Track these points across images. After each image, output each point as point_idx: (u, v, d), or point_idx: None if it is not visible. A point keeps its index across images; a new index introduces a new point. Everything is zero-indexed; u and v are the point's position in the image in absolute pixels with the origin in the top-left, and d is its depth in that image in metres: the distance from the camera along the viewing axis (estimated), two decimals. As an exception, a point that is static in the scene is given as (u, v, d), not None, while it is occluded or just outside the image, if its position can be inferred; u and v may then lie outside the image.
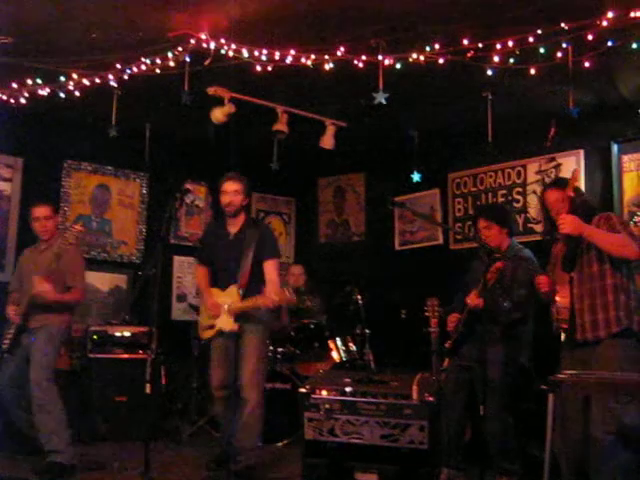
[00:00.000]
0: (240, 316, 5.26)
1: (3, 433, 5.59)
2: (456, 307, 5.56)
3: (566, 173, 6.68)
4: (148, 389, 4.77)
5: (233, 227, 5.50)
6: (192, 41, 5.12)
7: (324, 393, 3.75)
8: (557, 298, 4.51)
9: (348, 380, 3.85)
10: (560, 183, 4.64)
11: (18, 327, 5.52)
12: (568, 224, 4.34)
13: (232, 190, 5.39)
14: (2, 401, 5.60)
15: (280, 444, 6.52)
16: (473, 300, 5.13)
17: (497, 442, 5.00)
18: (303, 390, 3.83)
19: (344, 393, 3.72)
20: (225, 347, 5.36)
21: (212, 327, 5.44)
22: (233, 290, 5.33)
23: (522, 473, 5.16)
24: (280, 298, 5.18)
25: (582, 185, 6.47)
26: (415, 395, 3.60)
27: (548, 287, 4.56)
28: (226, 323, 5.31)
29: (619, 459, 4.22)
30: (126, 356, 6.93)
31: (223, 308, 5.32)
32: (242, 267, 5.33)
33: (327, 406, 3.70)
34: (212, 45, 5.10)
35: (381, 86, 5.15)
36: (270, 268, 5.42)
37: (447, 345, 5.45)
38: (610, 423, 4.18)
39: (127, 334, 7.02)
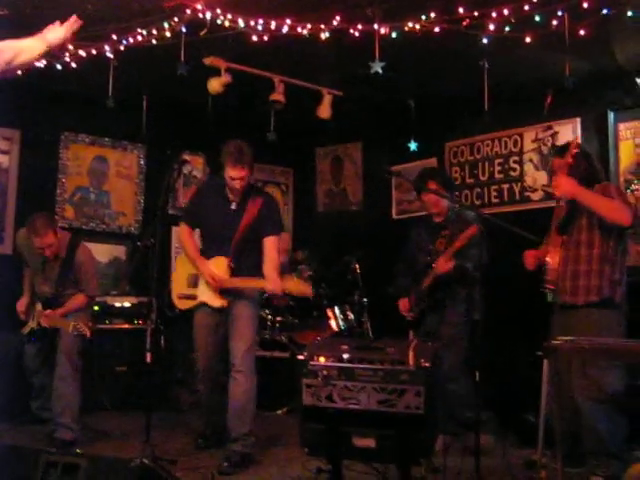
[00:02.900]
0: (228, 291, 5.08)
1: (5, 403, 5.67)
2: (402, 286, 5.82)
3: (563, 141, 6.68)
4: (149, 358, 4.82)
5: (235, 195, 5.20)
6: (188, 11, 5.10)
7: (322, 360, 3.79)
8: (547, 259, 4.58)
9: (345, 347, 3.89)
10: (562, 150, 4.68)
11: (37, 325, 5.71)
12: (562, 186, 4.40)
13: (240, 177, 5.05)
14: (27, 367, 5.79)
15: (279, 412, 6.61)
16: (444, 266, 5.35)
17: (458, 398, 5.18)
18: (301, 357, 3.86)
19: (341, 360, 3.75)
20: (211, 324, 5.20)
21: (192, 297, 5.25)
22: (222, 261, 5.10)
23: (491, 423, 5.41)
24: (295, 289, 5.02)
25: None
26: (411, 361, 3.64)
27: (532, 266, 4.76)
28: (212, 298, 5.12)
29: (605, 424, 4.30)
30: (126, 326, 7.01)
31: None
32: (236, 238, 5.10)
33: (325, 373, 3.74)
34: (208, 15, 5.09)
35: (377, 55, 5.14)
36: (270, 245, 5.14)
37: (410, 317, 5.71)
38: (591, 389, 4.27)
39: (127, 305, 7.09)
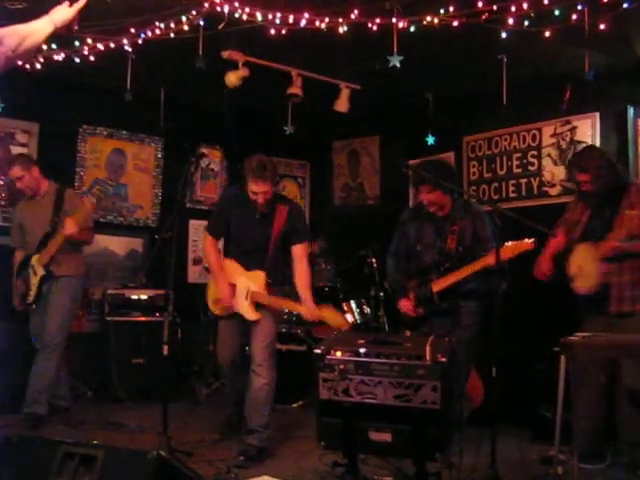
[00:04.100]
0: (263, 306, 5.13)
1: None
2: (399, 284, 5.50)
3: (582, 136, 6.68)
4: (166, 351, 4.84)
5: (259, 207, 5.14)
6: (206, 5, 5.10)
7: (338, 354, 3.79)
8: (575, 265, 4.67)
9: (362, 341, 3.89)
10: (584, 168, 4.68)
11: (42, 278, 5.75)
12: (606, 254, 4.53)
13: (262, 191, 4.99)
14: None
15: (295, 405, 6.62)
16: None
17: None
18: (318, 351, 3.87)
19: (358, 354, 3.76)
20: (236, 326, 5.29)
21: (229, 306, 5.26)
22: (260, 276, 5.13)
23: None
24: (331, 321, 4.94)
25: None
26: (428, 356, 3.64)
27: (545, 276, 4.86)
28: (247, 311, 5.14)
29: None
30: (143, 319, 7.03)
31: (244, 292, 5.13)
32: (270, 249, 5.14)
33: (341, 367, 3.74)
34: (226, 9, 5.09)
35: (395, 49, 5.13)
36: (301, 253, 5.19)
37: (411, 317, 5.37)
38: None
39: (144, 297, 7.11)
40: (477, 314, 5.22)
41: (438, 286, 5.20)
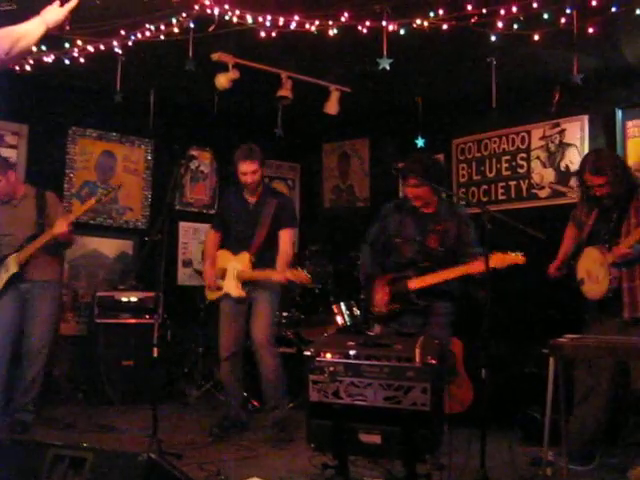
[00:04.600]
0: (248, 283, 5.52)
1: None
2: (371, 276, 5.35)
3: (570, 139, 6.72)
4: (155, 353, 4.85)
5: (251, 196, 5.68)
6: (196, 7, 5.10)
7: (328, 356, 3.80)
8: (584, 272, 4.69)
9: (352, 343, 3.90)
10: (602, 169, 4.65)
11: (12, 275, 5.62)
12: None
13: (251, 171, 5.50)
14: None
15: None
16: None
17: None
18: (308, 353, 3.87)
19: (348, 356, 3.76)
20: (234, 312, 5.64)
21: (219, 289, 5.66)
22: (245, 256, 5.56)
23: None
24: (294, 277, 5.31)
25: (586, 150, 6.49)
26: (418, 358, 3.65)
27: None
28: (233, 288, 5.56)
29: None
30: (133, 321, 7.02)
31: (232, 273, 5.56)
32: (256, 235, 5.57)
33: (331, 369, 3.75)
34: (216, 11, 5.08)
35: (385, 52, 5.14)
36: (285, 237, 5.62)
37: (382, 312, 5.22)
38: None
39: (134, 299, 7.10)
40: (451, 315, 5.15)
41: (415, 284, 5.04)
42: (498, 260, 4.63)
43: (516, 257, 4.66)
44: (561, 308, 5.06)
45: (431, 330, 4.91)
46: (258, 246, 5.57)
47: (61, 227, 5.54)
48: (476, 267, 4.73)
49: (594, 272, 4.64)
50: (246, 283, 5.55)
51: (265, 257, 5.57)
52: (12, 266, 5.63)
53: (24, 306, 5.69)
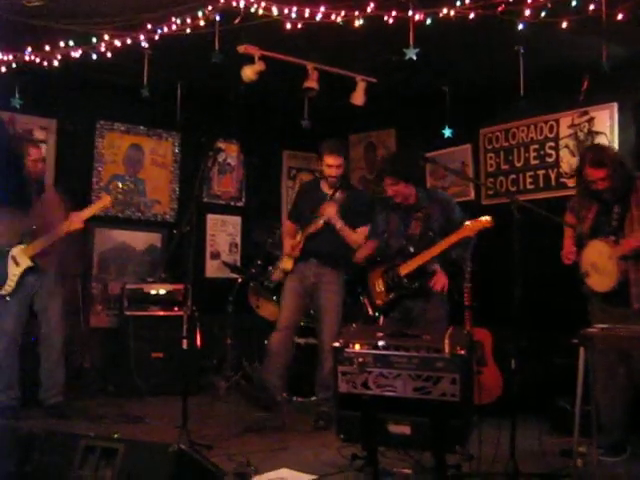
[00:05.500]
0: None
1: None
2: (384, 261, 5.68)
3: (599, 127, 6.64)
4: (185, 345, 4.87)
5: (330, 189, 5.92)
6: (222, 0, 5.12)
7: (357, 347, 3.80)
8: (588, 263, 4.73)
9: (381, 334, 3.90)
10: (602, 162, 4.66)
11: (26, 269, 5.69)
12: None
13: (337, 164, 5.77)
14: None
15: (314, 398, 6.63)
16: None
17: None
18: (336, 344, 3.88)
19: (377, 347, 3.77)
20: (299, 290, 5.96)
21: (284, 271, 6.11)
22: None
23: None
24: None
25: (615, 139, 6.43)
26: (447, 348, 3.64)
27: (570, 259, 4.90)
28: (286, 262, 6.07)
29: None
30: (162, 313, 7.07)
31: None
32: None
33: (360, 360, 3.75)
34: (242, 3, 5.09)
35: (412, 42, 5.12)
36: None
37: (379, 302, 5.64)
38: None
39: (162, 292, 7.15)
40: (446, 294, 5.48)
41: (405, 269, 5.43)
42: (468, 229, 5.08)
43: (485, 221, 5.04)
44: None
45: (429, 312, 5.43)
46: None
47: (78, 223, 5.60)
48: (452, 238, 5.19)
49: (601, 265, 4.68)
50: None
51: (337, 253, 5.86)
52: (23, 260, 5.68)
53: (32, 297, 5.79)
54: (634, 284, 4.55)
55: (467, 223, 5.11)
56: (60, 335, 5.85)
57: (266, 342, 6.20)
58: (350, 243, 5.81)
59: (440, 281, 5.40)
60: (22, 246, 5.69)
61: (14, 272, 5.65)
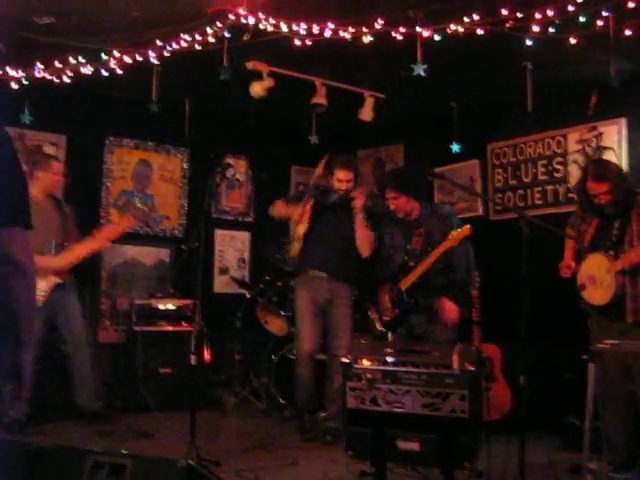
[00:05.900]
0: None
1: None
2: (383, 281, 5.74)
3: (608, 142, 6.63)
4: (193, 360, 4.87)
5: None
6: (231, 16, 5.14)
7: (366, 363, 3.81)
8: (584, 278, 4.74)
9: (389, 350, 3.90)
10: (605, 176, 4.66)
11: (56, 285, 5.74)
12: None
13: (348, 179, 5.87)
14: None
15: (323, 414, 6.61)
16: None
17: None
18: (345, 360, 3.88)
19: (386, 363, 3.77)
20: (313, 313, 5.93)
21: None
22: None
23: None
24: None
25: (624, 154, 6.42)
26: (456, 365, 3.64)
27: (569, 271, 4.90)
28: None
29: None
30: (170, 328, 7.08)
31: None
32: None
33: (369, 376, 3.75)
34: (251, 20, 5.11)
35: (419, 58, 5.13)
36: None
37: (387, 318, 5.65)
38: None
39: (171, 307, 7.16)
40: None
41: (405, 284, 5.45)
42: (454, 238, 5.15)
43: (465, 229, 5.15)
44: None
45: (439, 333, 5.41)
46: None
47: (108, 242, 5.67)
48: (440, 249, 5.22)
49: (598, 278, 4.68)
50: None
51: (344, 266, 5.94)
52: (51, 276, 5.70)
53: (54, 309, 5.79)
54: (630, 298, 4.55)
55: (452, 233, 5.18)
56: (88, 346, 6.03)
57: (295, 376, 6.13)
58: (358, 230, 5.88)
59: (451, 316, 5.42)
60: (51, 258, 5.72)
61: (41, 287, 5.55)
